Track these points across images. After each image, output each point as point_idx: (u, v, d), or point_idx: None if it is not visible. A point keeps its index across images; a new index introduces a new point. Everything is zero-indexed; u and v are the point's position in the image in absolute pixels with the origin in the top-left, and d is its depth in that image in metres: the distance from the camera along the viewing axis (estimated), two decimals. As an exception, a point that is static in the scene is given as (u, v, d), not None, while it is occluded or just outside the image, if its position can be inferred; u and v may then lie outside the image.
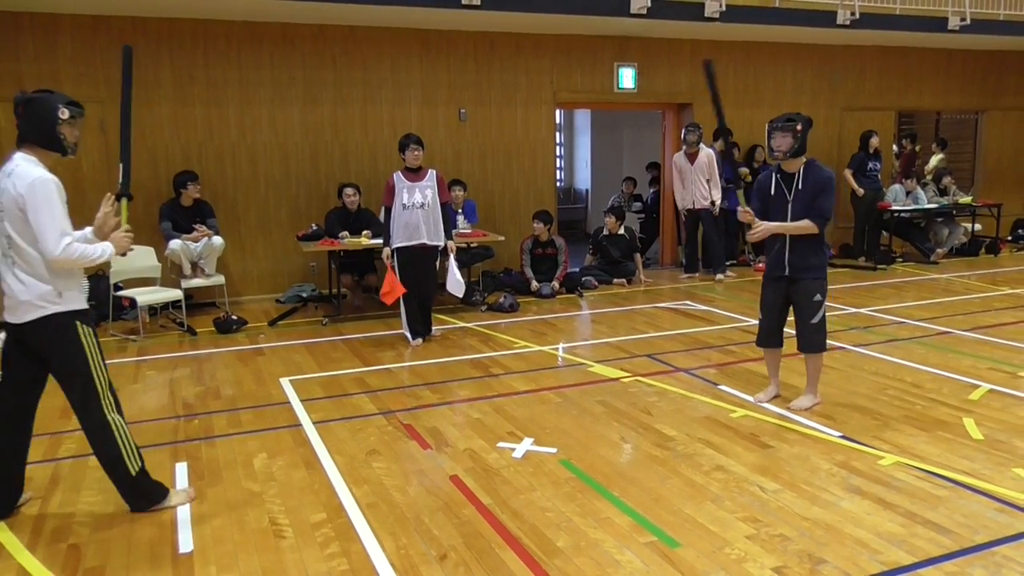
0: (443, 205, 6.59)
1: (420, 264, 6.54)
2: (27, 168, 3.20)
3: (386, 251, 6.49)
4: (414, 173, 6.51)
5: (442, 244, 6.57)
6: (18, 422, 3.48)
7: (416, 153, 6.48)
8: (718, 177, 9.39)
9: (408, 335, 6.62)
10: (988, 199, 11.36)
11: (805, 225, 4.57)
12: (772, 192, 4.73)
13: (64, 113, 3.31)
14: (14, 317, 3.27)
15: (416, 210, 6.43)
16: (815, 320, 4.72)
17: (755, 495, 3.63)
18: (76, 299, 3.34)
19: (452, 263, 6.64)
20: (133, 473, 3.48)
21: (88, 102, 7.58)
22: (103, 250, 3.35)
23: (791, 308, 4.82)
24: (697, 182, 9.38)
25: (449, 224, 6.70)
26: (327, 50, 8.46)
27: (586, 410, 4.87)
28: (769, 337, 4.91)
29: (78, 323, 3.33)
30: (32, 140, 3.27)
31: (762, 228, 4.66)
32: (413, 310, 6.59)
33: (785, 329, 4.92)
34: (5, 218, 3.19)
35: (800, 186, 4.62)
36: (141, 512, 3.57)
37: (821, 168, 4.67)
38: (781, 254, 4.70)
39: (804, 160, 4.63)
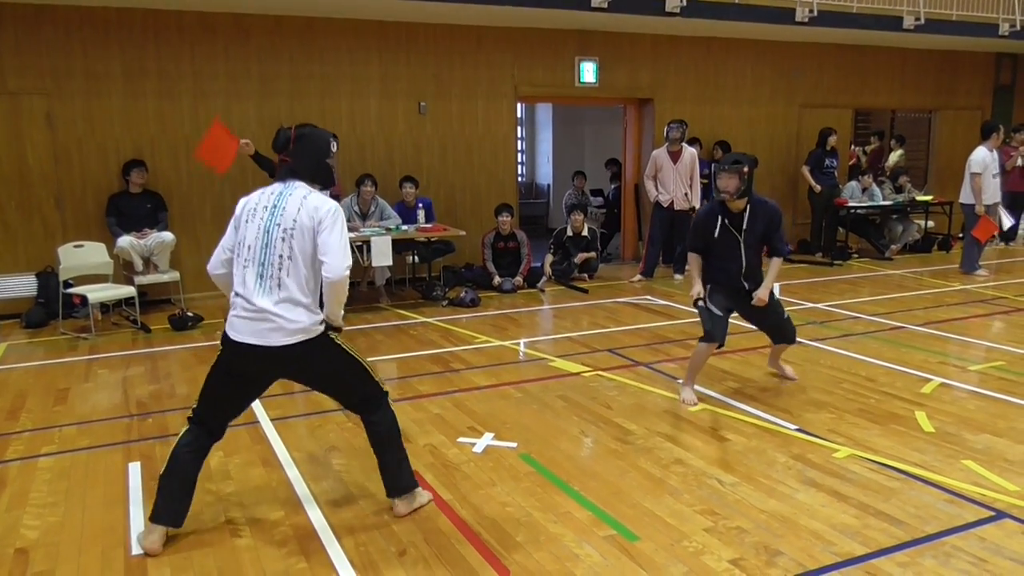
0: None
1: None
2: (321, 195, 3.22)
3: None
4: None
5: None
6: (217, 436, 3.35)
7: None
8: (699, 178, 9.13)
9: None
10: (940, 197, 11.61)
11: (779, 266, 4.78)
12: (717, 234, 4.71)
13: (334, 147, 3.41)
14: (264, 340, 3.09)
15: None
16: (786, 316, 5.02)
17: (713, 488, 3.67)
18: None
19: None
20: (402, 446, 3.47)
21: (33, 94, 7.51)
22: (342, 311, 3.31)
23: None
24: (679, 182, 9.01)
25: None
26: (283, 42, 8.32)
27: (547, 405, 4.87)
28: (724, 334, 4.85)
29: (331, 334, 3.29)
30: (305, 174, 3.24)
31: (761, 296, 4.73)
32: None
33: (743, 327, 4.98)
34: (293, 237, 3.10)
35: (749, 225, 4.67)
36: (398, 498, 3.44)
37: (767, 203, 4.73)
38: (736, 279, 4.78)
39: (747, 198, 4.66)
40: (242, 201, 3.25)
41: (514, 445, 4.20)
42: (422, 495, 3.54)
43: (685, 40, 10.28)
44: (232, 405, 3.31)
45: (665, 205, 9.10)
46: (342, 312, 3.32)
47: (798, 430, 4.38)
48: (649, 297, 8.26)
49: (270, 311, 3.07)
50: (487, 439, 4.28)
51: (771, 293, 4.84)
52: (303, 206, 3.11)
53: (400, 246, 8.02)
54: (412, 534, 3.27)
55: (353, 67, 8.65)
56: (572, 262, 9.12)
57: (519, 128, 11.61)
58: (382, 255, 7.19)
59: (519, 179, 11.31)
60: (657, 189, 9.17)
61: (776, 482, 3.72)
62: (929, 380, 5.26)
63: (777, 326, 5.04)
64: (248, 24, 8.15)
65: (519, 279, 8.63)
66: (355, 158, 8.56)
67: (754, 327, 5.18)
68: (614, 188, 11.52)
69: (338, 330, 3.35)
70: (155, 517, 3.21)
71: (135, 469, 3.97)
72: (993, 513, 3.38)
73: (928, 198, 11.20)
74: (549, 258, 9.22)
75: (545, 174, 14.31)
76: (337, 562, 3.06)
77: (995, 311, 7.36)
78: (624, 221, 10.92)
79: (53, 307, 7.19)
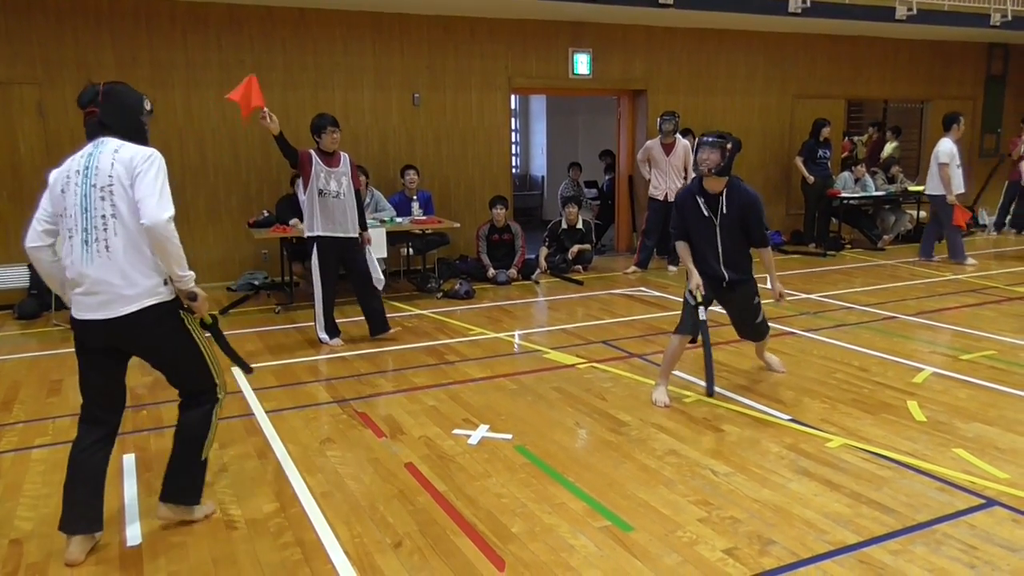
0: (356, 192, 6.23)
1: (344, 254, 6.13)
2: (135, 145, 3.01)
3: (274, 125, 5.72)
4: (329, 157, 6.09)
5: (357, 234, 6.18)
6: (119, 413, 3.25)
7: (335, 136, 6.07)
8: (692, 171, 9.15)
9: (324, 336, 6.16)
10: (933, 187, 11.65)
11: (770, 256, 4.76)
12: (694, 215, 4.64)
13: (147, 104, 3.17)
14: (107, 311, 2.96)
15: (332, 199, 6.02)
16: (759, 320, 4.93)
17: (707, 478, 3.69)
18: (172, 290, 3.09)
19: (371, 256, 6.32)
20: (203, 457, 3.28)
21: (24, 84, 7.46)
22: (189, 272, 3.08)
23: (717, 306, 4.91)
24: (671, 174, 9.02)
25: (363, 212, 6.35)
26: (276, 32, 8.29)
27: (541, 396, 4.88)
28: (696, 328, 4.70)
29: (180, 311, 3.12)
30: (117, 129, 3.04)
31: (780, 290, 4.76)
32: (330, 306, 6.18)
33: (716, 321, 5.00)
34: (113, 193, 2.92)
35: (726, 209, 4.56)
36: (168, 503, 3.25)
37: (747, 190, 4.61)
38: (716, 266, 4.68)
39: (727, 180, 4.55)
40: (54, 173, 3.04)
41: (509, 437, 4.22)
42: (197, 512, 3.34)
43: (678, 31, 10.27)
44: (109, 388, 3.19)
45: (660, 198, 9.07)
46: (187, 273, 3.07)
47: (791, 420, 4.41)
48: (644, 288, 8.28)
49: (104, 280, 2.92)
50: (482, 431, 4.29)
51: (753, 296, 4.81)
52: (116, 159, 2.93)
53: (395, 238, 8.01)
54: (407, 525, 3.28)
55: (347, 58, 8.63)
56: (566, 257, 9.12)
57: (513, 120, 11.59)
58: (376, 247, 7.17)
59: (513, 171, 11.30)
60: (650, 176, 9.19)
61: (769, 472, 3.74)
62: (921, 369, 5.29)
63: (747, 325, 4.98)
64: (241, 14, 8.11)
65: (513, 271, 8.63)
66: (349, 150, 8.48)
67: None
68: (608, 179, 11.52)
69: (193, 297, 3.12)
70: (69, 529, 3.04)
71: (129, 461, 3.98)
72: (983, 501, 3.41)
73: (920, 188, 11.22)
74: (544, 251, 9.21)
75: (539, 166, 14.30)
76: (332, 553, 3.06)
77: (986, 300, 7.40)
78: (618, 212, 10.93)
79: (46, 298, 7.17)
